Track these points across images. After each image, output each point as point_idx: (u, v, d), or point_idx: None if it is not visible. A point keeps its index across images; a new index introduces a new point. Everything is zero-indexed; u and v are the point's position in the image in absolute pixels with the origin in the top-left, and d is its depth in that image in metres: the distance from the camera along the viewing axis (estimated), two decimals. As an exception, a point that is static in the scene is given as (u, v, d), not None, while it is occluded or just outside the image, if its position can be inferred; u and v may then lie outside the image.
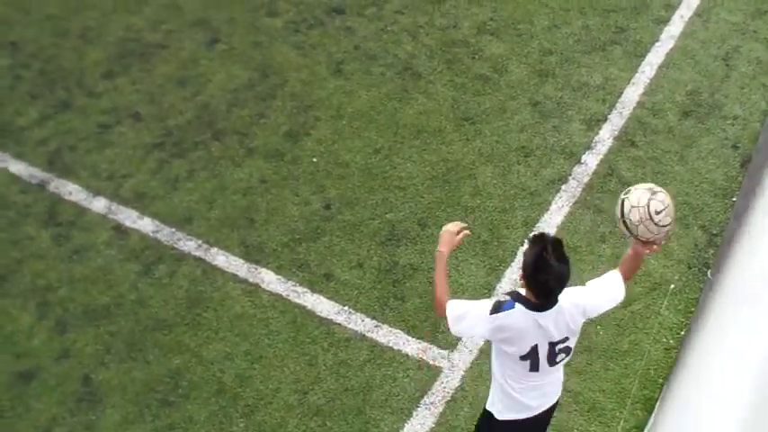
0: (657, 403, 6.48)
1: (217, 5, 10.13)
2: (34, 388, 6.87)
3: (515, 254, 7.58)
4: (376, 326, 7.15)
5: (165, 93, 9.09)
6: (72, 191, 8.19)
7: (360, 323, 7.18)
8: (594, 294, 5.08)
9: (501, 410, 5.38)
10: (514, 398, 5.26)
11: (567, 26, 9.71)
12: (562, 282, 4.79)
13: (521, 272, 4.86)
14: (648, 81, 9.08)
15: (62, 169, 8.37)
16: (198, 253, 7.68)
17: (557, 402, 5.48)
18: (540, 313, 4.88)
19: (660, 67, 9.22)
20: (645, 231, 4.80)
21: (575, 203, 7.98)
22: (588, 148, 8.43)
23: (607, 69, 9.20)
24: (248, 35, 9.72)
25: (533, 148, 8.42)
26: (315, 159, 8.41)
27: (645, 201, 4.78)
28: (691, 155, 8.37)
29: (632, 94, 8.94)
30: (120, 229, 7.88)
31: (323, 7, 10.05)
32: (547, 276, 4.73)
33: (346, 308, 7.28)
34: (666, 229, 4.81)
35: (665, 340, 7.07)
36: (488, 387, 5.43)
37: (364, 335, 7.11)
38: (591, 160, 8.31)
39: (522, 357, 5.01)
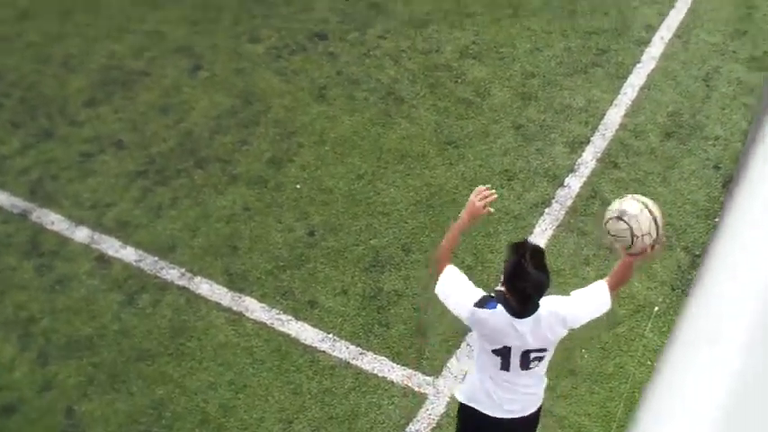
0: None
1: (199, 32, 10.13)
2: (16, 421, 6.81)
3: (500, 278, 7.56)
4: (361, 353, 7.13)
5: (147, 120, 9.08)
6: (54, 220, 8.16)
7: (344, 350, 7.16)
8: (577, 305, 5.08)
9: (465, 393, 5.43)
10: (480, 388, 5.28)
11: (549, 49, 9.74)
12: (540, 289, 4.82)
13: (501, 277, 4.91)
14: (630, 103, 9.10)
15: (44, 199, 8.35)
16: (181, 282, 7.66)
17: (530, 421, 5.45)
18: (518, 319, 4.90)
19: (642, 89, 9.25)
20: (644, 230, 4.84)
21: (558, 226, 7.98)
22: (571, 170, 8.44)
23: (589, 91, 9.22)
24: (230, 62, 9.73)
25: (516, 172, 8.42)
26: (298, 186, 8.40)
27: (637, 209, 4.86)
28: (673, 176, 8.38)
29: (614, 115, 8.96)
30: (102, 259, 7.85)
31: (305, 33, 10.06)
32: (524, 283, 4.78)
33: (331, 335, 7.25)
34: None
35: (649, 363, 7.06)
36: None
37: (349, 362, 7.08)
38: (574, 183, 8.31)
39: (495, 352, 5.04)
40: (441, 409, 6.79)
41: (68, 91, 9.44)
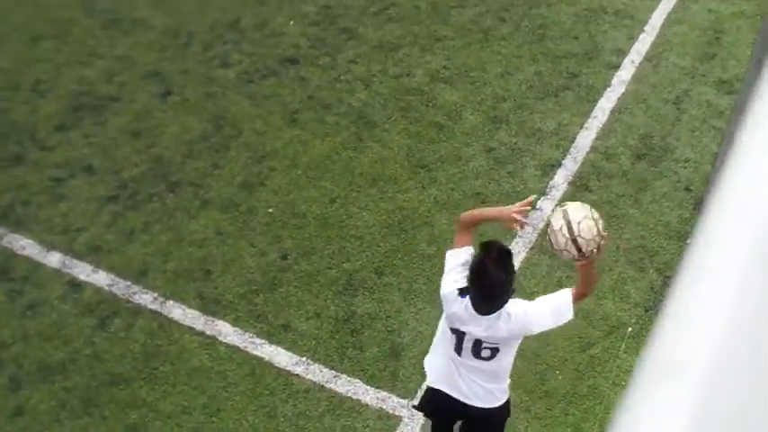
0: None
1: (169, 58, 10.12)
2: (-12, 447, 6.76)
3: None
4: (335, 376, 7.11)
5: (118, 145, 9.04)
6: (25, 245, 8.10)
7: (318, 374, 7.13)
8: (539, 312, 5.18)
9: (427, 361, 5.70)
10: (434, 360, 5.59)
11: (520, 73, 9.79)
12: (499, 288, 4.95)
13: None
14: (601, 126, 9.15)
15: (15, 224, 8.29)
16: (154, 306, 7.61)
17: (479, 418, 5.61)
18: (479, 315, 5.05)
19: (612, 112, 9.31)
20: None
21: (531, 249, 7.99)
22: (543, 193, 8.46)
23: (560, 115, 9.27)
24: (201, 86, 9.72)
25: (488, 195, 8.44)
26: (270, 210, 8.38)
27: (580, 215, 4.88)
28: (645, 198, 8.43)
29: (585, 138, 9.01)
30: (74, 284, 7.79)
31: (276, 58, 10.07)
32: (484, 281, 4.92)
33: (304, 358, 7.23)
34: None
35: (623, 383, 7.07)
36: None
37: (323, 385, 7.06)
38: (546, 206, 8.34)
39: (452, 330, 5.24)
40: (415, 431, 6.78)
41: (38, 116, 9.40)
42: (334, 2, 10.88)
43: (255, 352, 7.28)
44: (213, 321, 7.48)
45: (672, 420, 0.93)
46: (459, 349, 5.27)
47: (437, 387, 5.58)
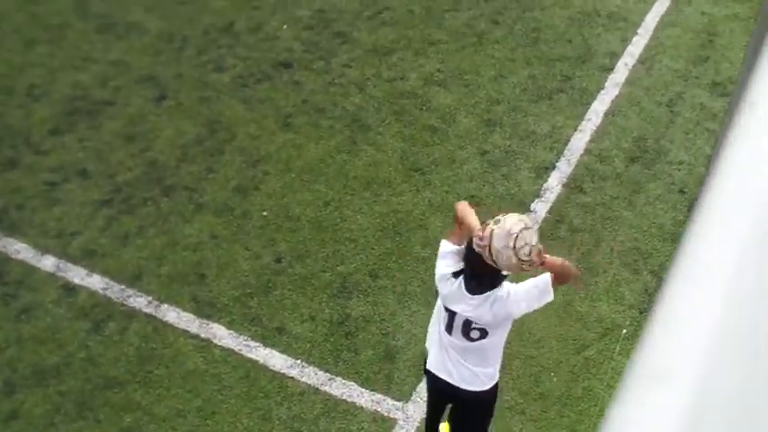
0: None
1: (164, 62, 10.13)
2: (-18, 451, 6.76)
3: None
4: (329, 379, 7.11)
5: (112, 149, 9.05)
6: (20, 249, 8.10)
7: (313, 376, 7.14)
8: (520, 294, 5.27)
9: (427, 344, 5.83)
10: (429, 343, 5.76)
11: (514, 76, 9.81)
12: (487, 270, 5.07)
13: None
14: (595, 128, 9.17)
15: (9, 228, 8.29)
16: (148, 310, 7.61)
17: (467, 400, 5.71)
18: (469, 294, 5.24)
19: (606, 115, 9.32)
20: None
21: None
22: (537, 195, 8.48)
23: (554, 117, 9.28)
24: (196, 90, 9.72)
25: (483, 197, 8.45)
26: (265, 213, 8.38)
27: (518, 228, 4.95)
28: (639, 200, 8.44)
29: (579, 141, 9.02)
30: (68, 288, 7.79)
31: (270, 62, 10.08)
32: (474, 260, 5.10)
33: (299, 361, 7.23)
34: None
35: (618, 385, 7.07)
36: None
37: (318, 388, 7.06)
38: (540, 208, 8.35)
39: (445, 309, 5.41)
40: (410, 434, 6.79)
41: (33, 120, 9.40)
42: (328, 6, 10.90)
43: (250, 355, 7.28)
44: (208, 324, 7.48)
45: (660, 428, 0.94)
46: (449, 328, 5.43)
47: (431, 369, 5.71)
